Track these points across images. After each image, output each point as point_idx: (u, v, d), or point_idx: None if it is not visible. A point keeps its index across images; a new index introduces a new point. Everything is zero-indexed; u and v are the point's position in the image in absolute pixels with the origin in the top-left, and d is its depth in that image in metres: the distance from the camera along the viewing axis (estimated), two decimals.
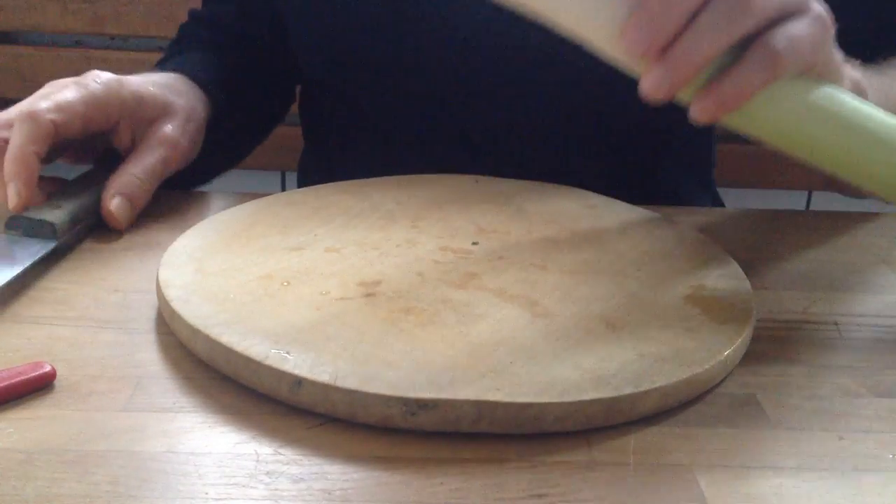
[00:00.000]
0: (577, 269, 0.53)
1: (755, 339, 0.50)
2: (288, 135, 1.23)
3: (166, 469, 0.38)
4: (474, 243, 0.56)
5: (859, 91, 0.54)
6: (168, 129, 0.64)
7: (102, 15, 1.17)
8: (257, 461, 0.39)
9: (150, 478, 0.38)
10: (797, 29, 0.47)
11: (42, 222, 0.56)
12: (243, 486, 0.38)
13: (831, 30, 0.48)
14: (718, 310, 0.49)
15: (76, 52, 1.20)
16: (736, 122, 0.48)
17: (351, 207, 0.61)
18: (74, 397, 0.43)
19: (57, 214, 0.56)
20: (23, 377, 0.43)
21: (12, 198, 0.57)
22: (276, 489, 0.38)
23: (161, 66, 0.75)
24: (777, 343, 0.50)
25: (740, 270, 0.54)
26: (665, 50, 0.45)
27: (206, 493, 0.37)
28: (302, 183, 0.95)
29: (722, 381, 0.46)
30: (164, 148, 0.63)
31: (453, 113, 0.75)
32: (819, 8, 0.48)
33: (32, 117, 0.57)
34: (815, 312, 0.54)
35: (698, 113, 0.46)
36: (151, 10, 1.17)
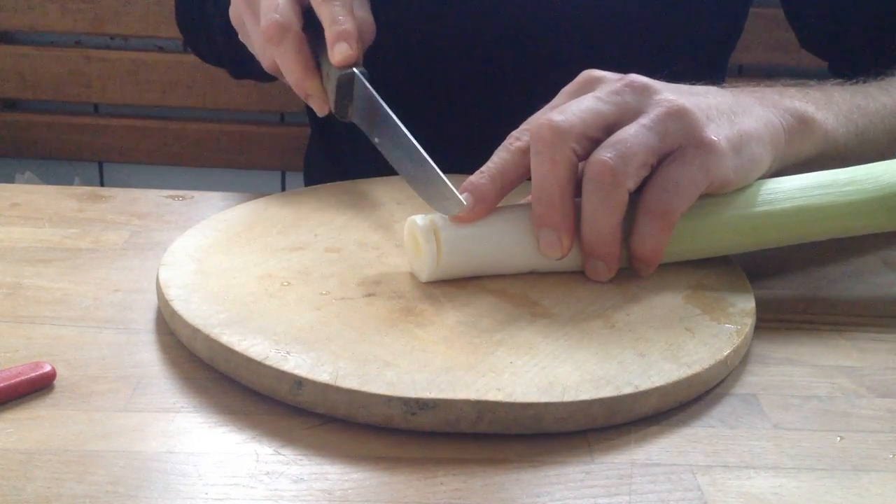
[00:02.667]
0: (577, 270, 0.53)
1: (755, 339, 0.50)
2: (288, 135, 1.24)
3: (166, 469, 0.38)
4: None
5: (806, 125, 0.55)
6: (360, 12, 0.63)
7: (102, 15, 1.17)
8: (257, 461, 0.39)
9: (150, 478, 0.38)
10: (674, 174, 0.49)
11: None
12: (243, 486, 0.38)
13: (716, 152, 0.49)
14: (718, 310, 0.49)
15: (76, 52, 1.20)
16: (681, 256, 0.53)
17: (351, 207, 0.61)
18: (74, 397, 0.43)
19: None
20: (23, 377, 0.43)
21: (348, 54, 0.58)
22: (276, 489, 0.38)
23: None
24: (777, 343, 0.50)
25: (740, 270, 0.54)
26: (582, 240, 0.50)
27: (206, 493, 0.37)
28: (308, 174, 0.94)
29: (722, 381, 0.46)
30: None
31: (462, 100, 0.75)
32: (706, 134, 0.49)
33: None
34: (815, 312, 0.54)
35: (639, 273, 0.52)
36: (151, 10, 1.17)
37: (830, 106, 0.57)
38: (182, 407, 0.43)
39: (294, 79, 0.60)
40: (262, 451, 0.40)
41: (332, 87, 0.59)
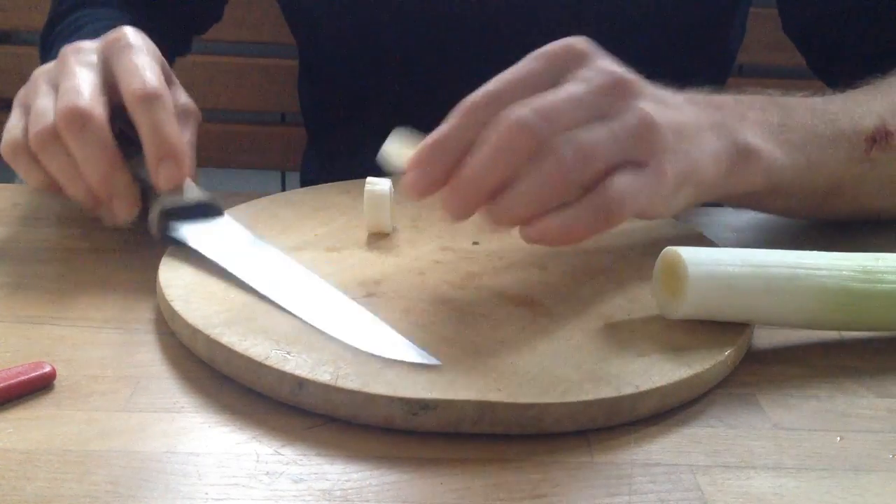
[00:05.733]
0: (577, 270, 0.53)
1: (755, 339, 0.50)
2: (288, 135, 1.24)
3: (166, 469, 0.38)
4: (475, 243, 0.56)
5: (750, 162, 0.53)
6: (183, 98, 0.61)
7: None
8: (257, 461, 0.39)
9: (150, 478, 0.38)
10: (635, 184, 0.46)
11: (209, 203, 0.55)
12: (243, 486, 0.38)
13: (663, 186, 0.47)
14: None
15: None
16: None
17: (351, 208, 0.61)
18: (74, 397, 0.43)
19: (196, 192, 0.55)
20: (23, 377, 0.43)
21: (177, 175, 0.54)
22: (276, 489, 0.38)
23: (77, 22, 0.73)
24: (777, 343, 0.50)
25: None
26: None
27: (206, 493, 0.37)
28: (305, 179, 0.94)
29: (722, 381, 0.46)
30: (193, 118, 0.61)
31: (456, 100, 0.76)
32: (663, 165, 0.47)
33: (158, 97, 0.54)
34: None
35: (523, 237, 0.46)
36: None
37: (785, 133, 0.55)
38: (182, 407, 0.43)
39: (99, 173, 0.52)
40: (262, 451, 0.40)
41: (159, 211, 0.54)
